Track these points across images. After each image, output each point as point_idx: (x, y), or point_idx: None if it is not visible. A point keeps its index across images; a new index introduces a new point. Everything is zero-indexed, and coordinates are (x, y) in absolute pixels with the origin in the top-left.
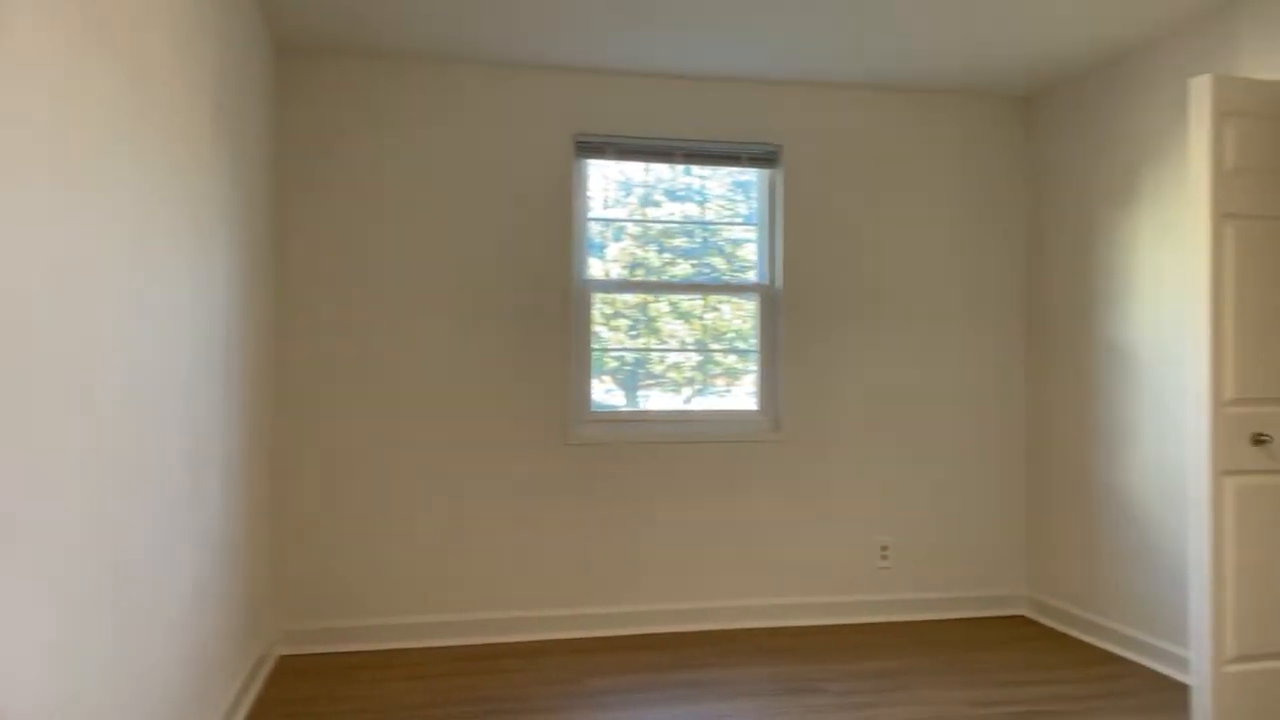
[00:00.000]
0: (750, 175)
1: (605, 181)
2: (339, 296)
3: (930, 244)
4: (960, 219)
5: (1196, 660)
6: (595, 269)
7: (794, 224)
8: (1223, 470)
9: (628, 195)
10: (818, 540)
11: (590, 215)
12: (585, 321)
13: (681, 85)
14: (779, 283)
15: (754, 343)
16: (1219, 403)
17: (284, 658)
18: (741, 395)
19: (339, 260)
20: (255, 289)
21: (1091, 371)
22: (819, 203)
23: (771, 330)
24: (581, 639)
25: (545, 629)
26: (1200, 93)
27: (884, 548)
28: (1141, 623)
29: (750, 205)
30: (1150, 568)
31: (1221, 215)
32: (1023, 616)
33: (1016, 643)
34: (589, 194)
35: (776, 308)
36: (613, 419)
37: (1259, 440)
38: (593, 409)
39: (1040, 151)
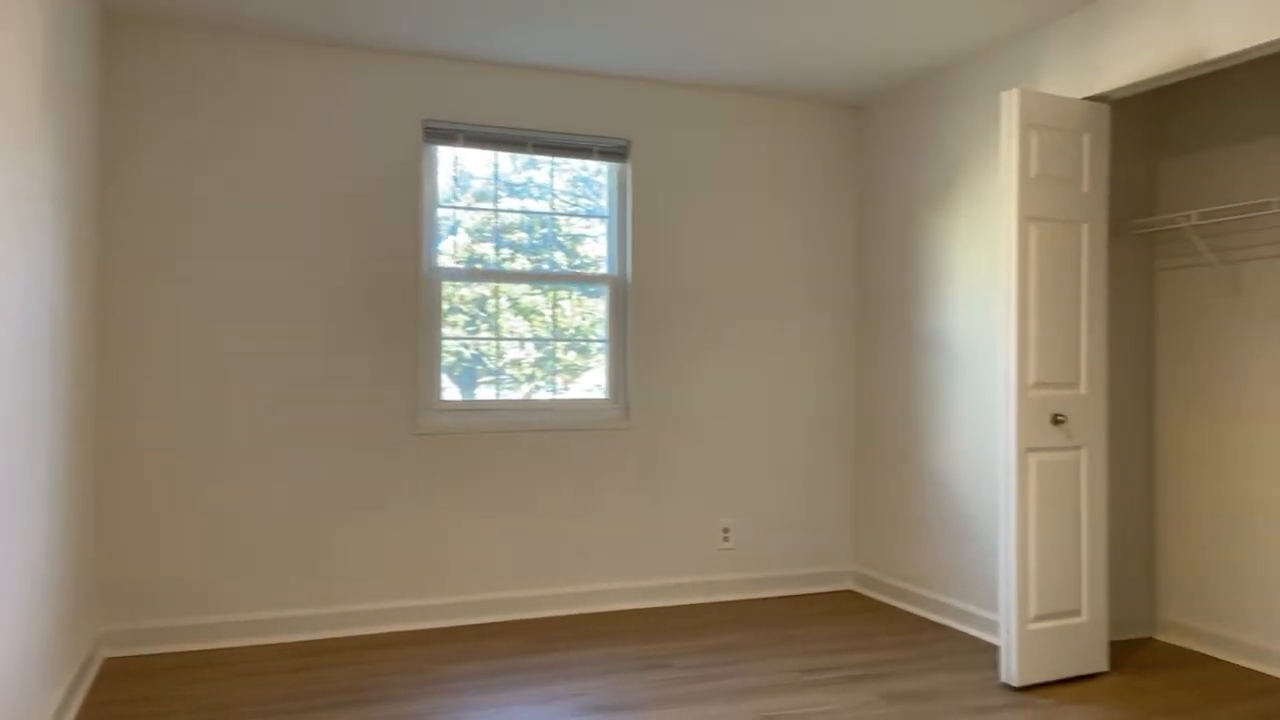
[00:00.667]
0: (595, 170)
1: (453, 171)
2: (171, 282)
3: (770, 240)
4: (798, 217)
5: (1005, 620)
6: (443, 258)
7: (643, 218)
8: (1028, 448)
9: (463, 190)
10: (665, 524)
11: (440, 203)
12: (435, 309)
13: (534, 76)
14: (629, 275)
15: (602, 335)
16: (1024, 387)
17: (112, 659)
18: (583, 392)
19: (171, 244)
20: (81, 273)
21: (914, 359)
22: (667, 197)
23: (622, 321)
24: (432, 629)
25: (394, 621)
26: (1010, 106)
27: (725, 529)
28: (956, 591)
29: (594, 200)
30: (964, 541)
31: (1026, 218)
32: (850, 591)
33: (844, 615)
34: (438, 181)
35: (627, 299)
36: (463, 408)
37: (1057, 420)
38: (443, 398)
39: (870, 155)
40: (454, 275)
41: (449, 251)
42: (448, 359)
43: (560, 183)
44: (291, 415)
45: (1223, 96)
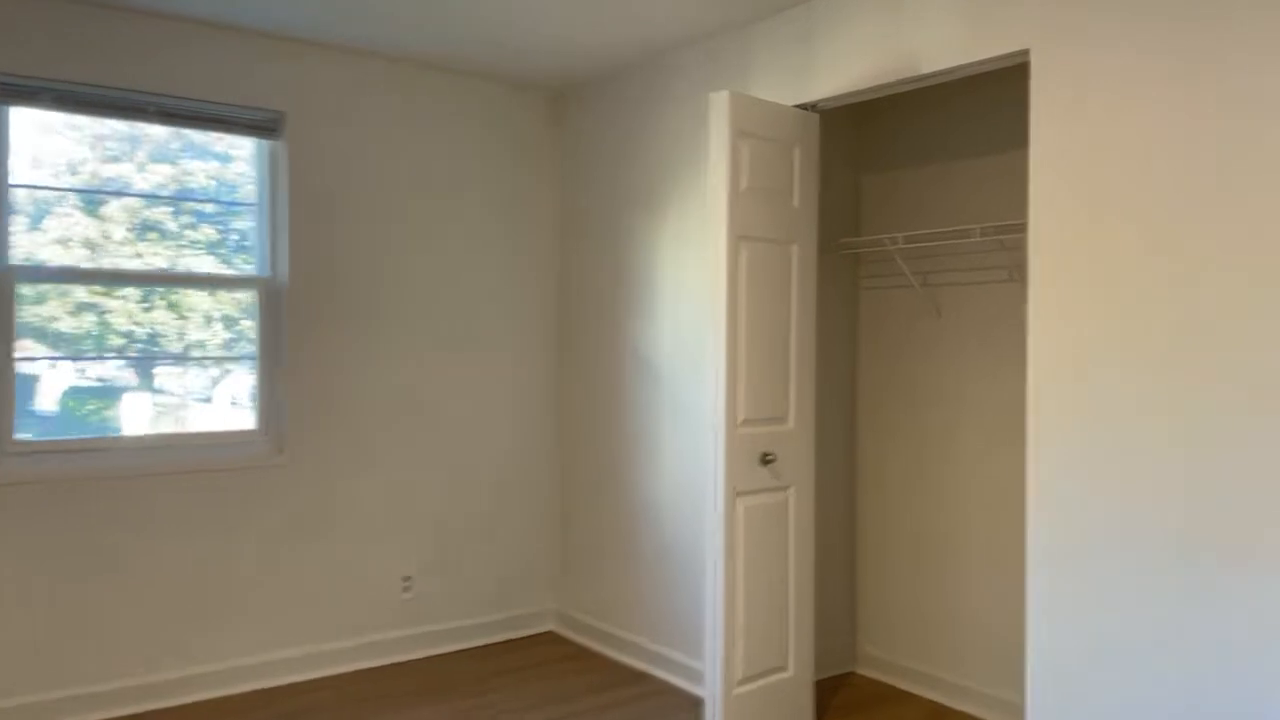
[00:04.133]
0: (237, 148)
1: (42, 142)
2: None
3: (460, 240)
4: (493, 214)
5: (710, 682)
6: (20, 253)
7: (302, 206)
8: (737, 492)
9: (59, 168)
10: (330, 579)
11: (13, 182)
12: (6, 321)
13: (154, 23)
14: (282, 275)
15: (249, 352)
16: (732, 425)
17: None
18: (222, 413)
19: None
20: None
21: (620, 382)
22: (333, 183)
23: (273, 332)
24: None
25: None
26: (719, 109)
27: (407, 578)
28: (665, 637)
29: (235, 187)
30: (673, 582)
31: (737, 237)
32: (552, 633)
33: (541, 668)
34: (7, 153)
35: (279, 305)
36: (55, 449)
37: (766, 460)
38: (22, 437)
39: (572, 149)
40: (38, 276)
41: (30, 246)
42: (33, 384)
43: (193, 163)
44: None
45: (928, 115)
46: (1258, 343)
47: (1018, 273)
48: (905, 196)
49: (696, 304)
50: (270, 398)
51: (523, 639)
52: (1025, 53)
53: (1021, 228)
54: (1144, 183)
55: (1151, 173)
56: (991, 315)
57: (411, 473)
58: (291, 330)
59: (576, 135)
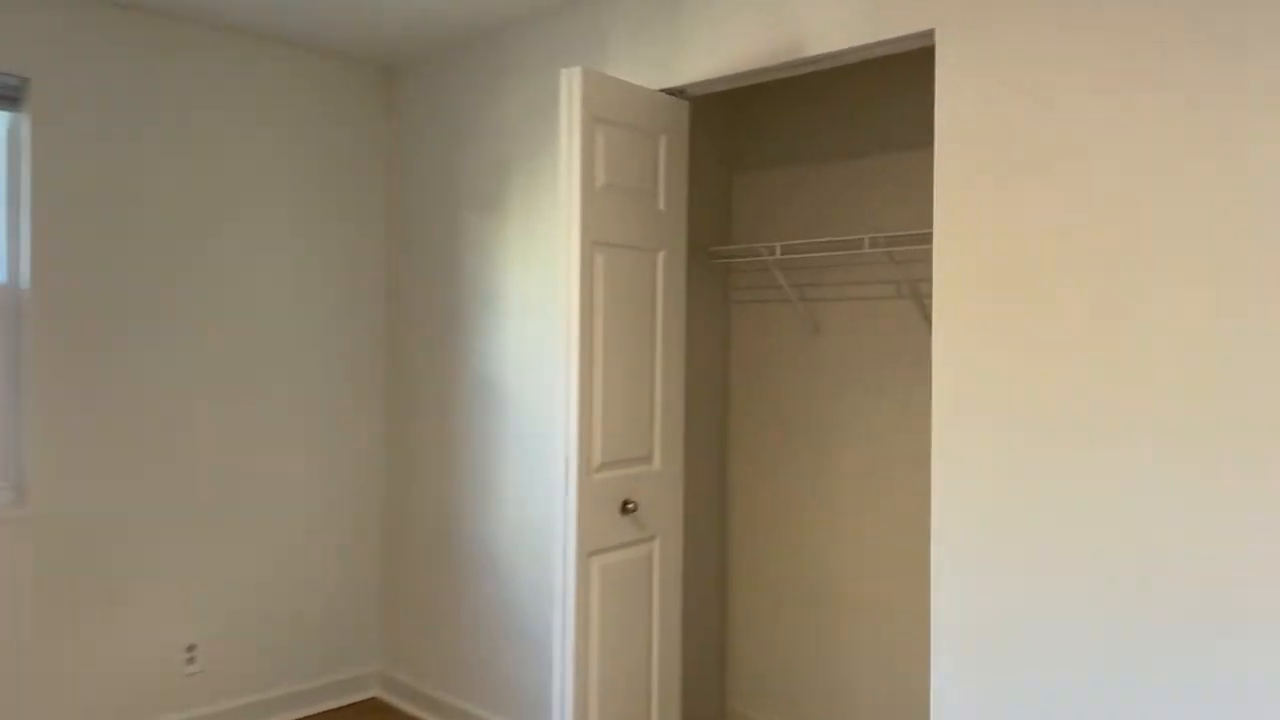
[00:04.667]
0: None
1: None
2: None
3: (266, 240)
4: (307, 211)
5: None
6: None
7: (50, 196)
8: (591, 550)
9: None
10: (94, 654)
11: None
12: None
13: None
14: (23, 280)
15: None
16: (586, 470)
17: None
18: None
19: None
20: None
21: (459, 411)
22: (94, 168)
23: (10, 352)
24: None
25: None
26: (571, 89)
27: (191, 647)
28: (504, 705)
29: None
30: (515, 642)
31: (592, 243)
32: (376, 700)
33: None
34: None
35: (19, 317)
36: None
37: (627, 509)
38: None
39: (403, 135)
40: None
41: None
42: None
43: None
44: None
45: (814, 107)
46: (1186, 339)
47: (907, 288)
48: (784, 199)
49: (547, 319)
50: (8, 435)
51: (342, 709)
52: (930, 34)
53: (916, 239)
54: (1065, 184)
55: (1073, 172)
56: (878, 335)
57: (198, 523)
58: (37, 351)
59: (410, 120)
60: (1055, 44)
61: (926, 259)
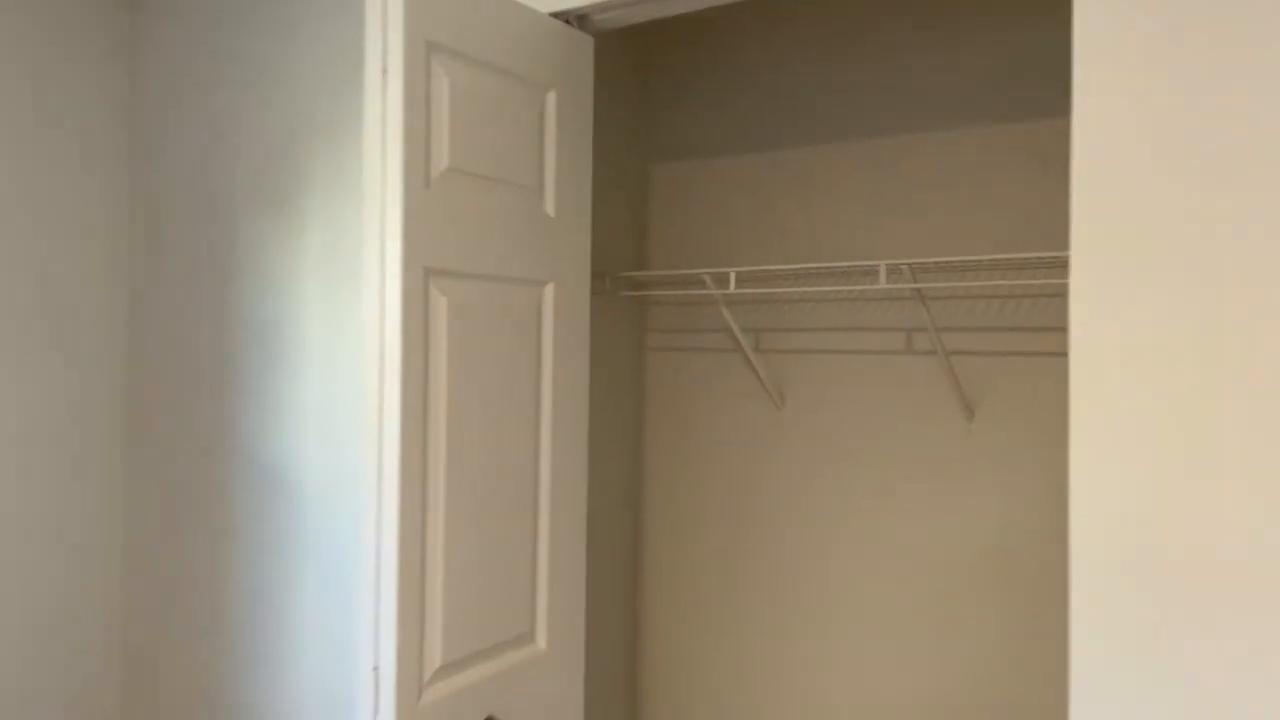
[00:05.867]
0: None
1: None
2: None
3: None
4: (7, 194)
5: None
6: None
7: None
8: None
9: None
10: None
11: None
12: None
13: None
14: None
15: None
16: (415, 688)
17: None
18: None
19: None
20: None
21: (231, 514)
22: None
23: None
24: None
25: None
26: (388, 5)
27: None
28: None
29: None
30: None
31: (424, 270)
32: None
33: None
34: None
35: None
36: None
37: None
38: None
39: (149, 93)
40: None
41: None
42: None
43: None
44: None
45: (767, 53)
46: None
47: (926, 341)
48: (729, 202)
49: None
50: None
51: None
52: None
53: (982, 268)
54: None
55: None
56: (880, 407)
57: None
58: None
59: (161, 69)
60: None
61: (963, 302)
